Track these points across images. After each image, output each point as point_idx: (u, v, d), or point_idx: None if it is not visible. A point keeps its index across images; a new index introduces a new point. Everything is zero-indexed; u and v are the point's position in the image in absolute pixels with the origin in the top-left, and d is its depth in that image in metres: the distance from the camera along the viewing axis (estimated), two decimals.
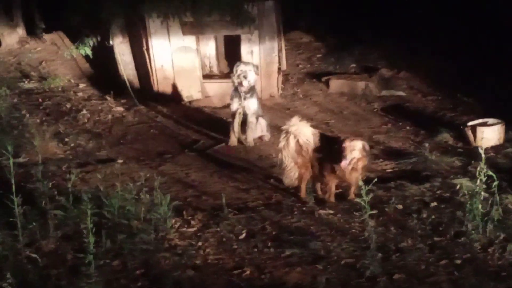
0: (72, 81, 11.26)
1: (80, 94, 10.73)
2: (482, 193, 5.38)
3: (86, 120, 9.65)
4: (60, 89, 10.83)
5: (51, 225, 5.66)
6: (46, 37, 12.55)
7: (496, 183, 5.38)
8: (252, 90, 8.73)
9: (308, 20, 13.72)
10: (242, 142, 8.81)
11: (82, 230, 5.06)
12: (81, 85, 11.14)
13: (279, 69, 10.85)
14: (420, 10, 11.94)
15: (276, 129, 9.23)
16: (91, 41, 11.43)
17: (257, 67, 8.92)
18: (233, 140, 8.80)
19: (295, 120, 6.80)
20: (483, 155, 5.40)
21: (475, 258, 5.11)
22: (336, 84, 11.25)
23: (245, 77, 8.58)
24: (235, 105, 8.79)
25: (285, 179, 6.93)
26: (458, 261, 5.07)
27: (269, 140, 8.89)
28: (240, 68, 8.67)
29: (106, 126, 9.52)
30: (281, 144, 6.84)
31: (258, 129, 8.89)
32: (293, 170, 6.82)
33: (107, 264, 5.17)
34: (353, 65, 12.22)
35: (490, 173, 5.38)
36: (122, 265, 5.20)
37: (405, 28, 11.96)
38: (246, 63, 8.88)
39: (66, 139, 8.71)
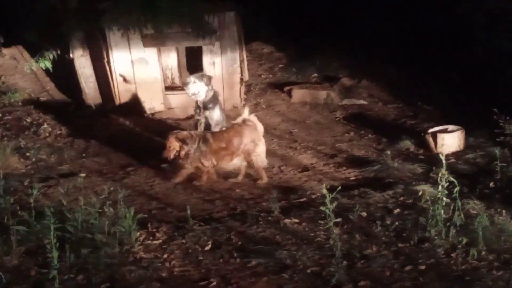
0: (33, 95, 11.13)
1: (41, 108, 10.59)
2: (444, 198, 5.46)
3: (47, 134, 9.53)
4: (20, 104, 10.69)
5: (14, 240, 5.58)
6: (5, 51, 12.34)
7: (457, 188, 5.46)
8: (213, 101, 8.68)
9: (269, 31, 13.77)
10: None
11: (45, 245, 5.02)
12: (42, 99, 11.02)
13: (241, 79, 10.87)
14: (378, 22, 12.07)
15: None
16: (51, 55, 11.26)
17: (208, 77, 8.69)
18: None
19: None
20: (444, 161, 5.48)
21: (438, 263, 5.17)
22: (298, 93, 11.31)
23: (189, 90, 8.56)
24: (197, 116, 8.77)
25: None
26: (422, 267, 5.12)
27: None
28: (185, 81, 8.70)
29: (68, 140, 9.42)
30: None
31: None
32: None
33: (71, 279, 5.11)
34: (315, 74, 12.29)
35: (451, 179, 5.46)
36: (86, 279, 5.13)
37: (365, 39, 12.09)
38: (192, 76, 8.67)
39: (28, 154, 8.58)
